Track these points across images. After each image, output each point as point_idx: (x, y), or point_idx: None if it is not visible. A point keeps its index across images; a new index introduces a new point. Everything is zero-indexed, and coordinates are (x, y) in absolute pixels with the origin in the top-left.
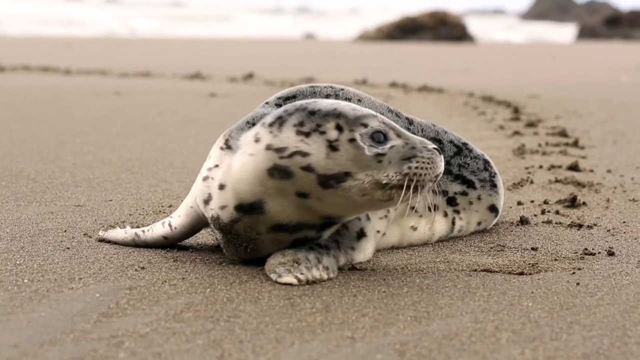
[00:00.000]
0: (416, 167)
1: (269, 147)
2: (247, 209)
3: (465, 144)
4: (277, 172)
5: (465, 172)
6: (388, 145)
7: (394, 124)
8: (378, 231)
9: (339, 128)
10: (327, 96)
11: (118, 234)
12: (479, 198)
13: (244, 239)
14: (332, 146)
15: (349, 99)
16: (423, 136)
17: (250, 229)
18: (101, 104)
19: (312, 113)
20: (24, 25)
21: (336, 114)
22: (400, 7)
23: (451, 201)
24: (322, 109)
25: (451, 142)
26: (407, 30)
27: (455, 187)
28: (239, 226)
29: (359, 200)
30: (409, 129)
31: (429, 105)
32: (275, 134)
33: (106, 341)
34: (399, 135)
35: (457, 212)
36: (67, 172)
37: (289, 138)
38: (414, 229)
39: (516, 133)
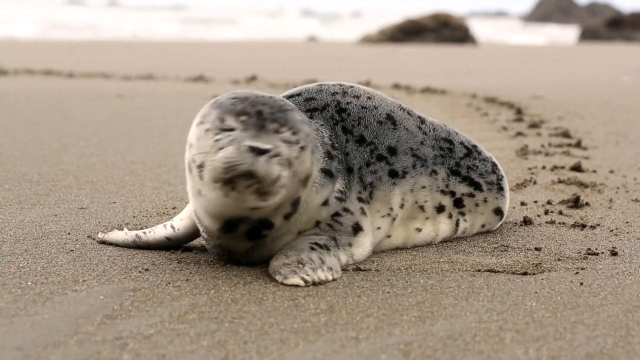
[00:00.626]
0: (211, 160)
1: (188, 143)
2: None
3: (475, 146)
4: (188, 169)
5: (473, 175)
6: (218, 138)
7: (260, 125)
8: (379, 228)
9: (204, 122)
10: (334, 94)
11: (118, 235)
12: (485, 200)
13: (216, 245)
14: (198, 136)
15: (357, 96)
16: (434, 136)
17: (208, 235)
18: (104, 107)
19: (211, 107)
20: (26, 29)
21: (214, 107)
22: (403, 9)
23: (458, 202)
24: (213, 103)
25: (462, 143)
26: (409, 32)
27: (462, 189)
28: (203, 230)
29: (215, 196)
30: (420, 128)
31: (432, 106)
32: (193, 128)
33: (110, 343)
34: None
35: (463, 214)
36: (70, 175)
37: (193, 131)
38: (419, 230)
39: (519, 134)
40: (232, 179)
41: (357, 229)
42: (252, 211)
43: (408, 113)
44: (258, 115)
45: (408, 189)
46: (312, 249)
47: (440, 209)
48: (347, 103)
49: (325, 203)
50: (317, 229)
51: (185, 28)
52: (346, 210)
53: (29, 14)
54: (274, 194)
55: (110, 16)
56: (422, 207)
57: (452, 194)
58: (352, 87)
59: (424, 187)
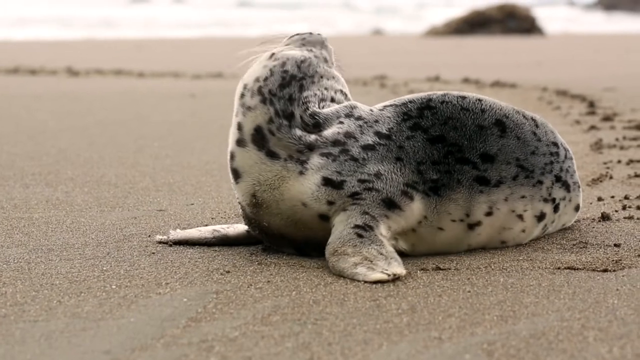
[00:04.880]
0: None
1: None
2: None
3: (562, 143)
4: None
5: (567, 177)
6: None
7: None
8: (441, 228)
9: None
10: (432, 94)
11: (191, 233)
12: (570, 200)
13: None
14: None
15: (463, 97)
16: (546, 140)
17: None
18: (177, 107)
19: None
20: (93, 28)
21: None
22: (468, 1)
23: (556, 208)
24: None
25: (562, 144)
26: (475, 24)
27: (560, 194)
28: None
29: None
30: (535, 134)
31: (503, 100)
32: None
33: (196, 346)
34: None
35: (553, 221)
36: (147, 177)
37: None
38: (504, 242)
39: (592, 127)
40: None
41: (390, 204)
42: None
43: (523, 116)
44: None
45: (501, 198)
46: (359, 235)
47: (541, 217)
48: (442, 102)
49: (331, 184)
50: (345, 212)
51: (250, 23)
52: (369, 189)
53: (95, 13)
54: None
55: (176, 13)
56: (520, 216)
57: (553, 200)
58: (463, 93)
59: (523, 197)
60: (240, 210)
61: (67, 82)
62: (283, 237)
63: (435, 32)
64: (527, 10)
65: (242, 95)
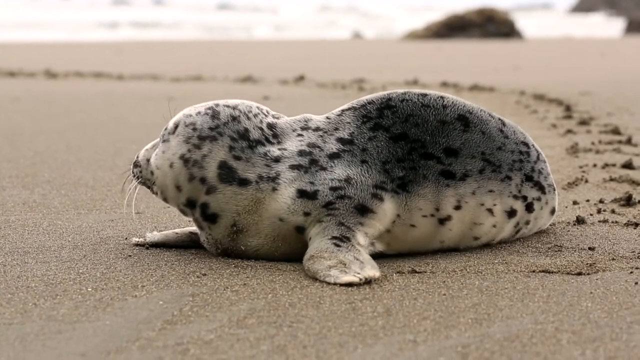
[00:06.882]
0: None
1: None
2: None
3: (534, 145)
4: None
5: (541, 178)
6: None
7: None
8: (413, 225)
9: None
10: (391, 93)
11: (168, 235)
12: (546, 202)
13: (207, 238)
14: None
15: (424, 95)
16: (515, 138)
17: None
18: (155, 110)
19: None
20: (72, 31)
21: None
22: (448, 5)
23: (529, 207)
24: None
25: (533, 145)
26: (455, 28)
27: (533, 193)
28: None
29: None
30: (501, 131)
31: (480, 104)
32: None
33: (172, 349)
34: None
35: (527, 222)
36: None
37: None
38: (476, 238)
39: (569, 131)
40: None
41: (363, 210)
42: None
43: (490, 115)
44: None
45: (468, 192)
46: (337, 245)
47: (511, 213)
48: (402, 100)
49: (305, 195)
50: (321, 223)
51: (230, 27)
52: (342, 197)
53: (77, 15)
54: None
55: (157, 15)
56: (490, 211)
57: (524, 198)
58: (425, 91)
59: (491, 191)
60: (206, 245)
61: (45, 84)
62: (258, 258)
63: (415, 36)
64: (506, 15)
65: (188, 160)
